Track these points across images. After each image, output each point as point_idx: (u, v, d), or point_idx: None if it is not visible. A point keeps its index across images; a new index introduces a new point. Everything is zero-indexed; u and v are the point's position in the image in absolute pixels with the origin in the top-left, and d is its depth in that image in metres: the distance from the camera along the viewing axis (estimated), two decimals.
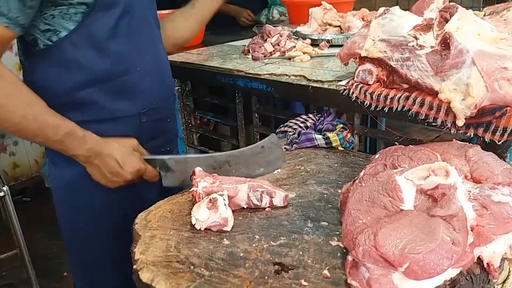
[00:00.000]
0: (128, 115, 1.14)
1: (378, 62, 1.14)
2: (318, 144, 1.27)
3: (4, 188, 1.77)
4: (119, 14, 1.06)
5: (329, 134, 1.26)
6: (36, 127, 0.98)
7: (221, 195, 0.90)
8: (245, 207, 0.96)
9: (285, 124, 1.41)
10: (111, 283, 1.27)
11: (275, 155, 0.99)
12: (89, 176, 1.11)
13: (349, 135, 1.28)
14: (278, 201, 0.95)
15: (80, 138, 1.02)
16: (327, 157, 1.22)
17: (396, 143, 1.16)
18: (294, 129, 1.37)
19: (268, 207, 0.95)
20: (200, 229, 0.87)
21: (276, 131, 1.45)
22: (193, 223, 0.88)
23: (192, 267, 0.77)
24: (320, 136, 1.26)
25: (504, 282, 0.99)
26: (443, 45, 1.07)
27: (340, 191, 1.00)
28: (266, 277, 0.74)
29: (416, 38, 1.13)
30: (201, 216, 0.85)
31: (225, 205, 0.88)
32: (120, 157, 1.04)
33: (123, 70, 1.10)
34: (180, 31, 1.45)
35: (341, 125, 1.30)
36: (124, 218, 1.17)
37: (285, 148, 1.29)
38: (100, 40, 1.05)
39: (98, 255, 1.24)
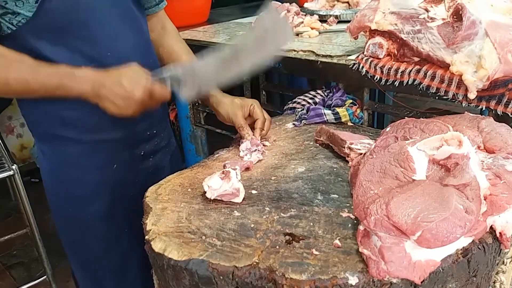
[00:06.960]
0: None
1: (389, 35, 1.13)
2: (327, 120, 1.26)
3: (13, 167, 1.77)
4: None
5: (339, 109, 1.25)
6: (31, 78, 0.96)
7: (234, 169, 0.91)
8: None
9: (294, 100, 1.40)
10: (104, 266, 1.28)
11: (282, 31, 0.80)
12: (76, 165, 1.12)
13: (358, 110, 1.26)
14: None
15: (77, 74, 0.98)
16: None
17: (406, 117, 1.15)
18: (303, 105, 1.36)
19: None
20: (211, 198, 0.87)
21: (284, 108, 1.44)
22: (205, 190, 0.88)
23: (203, 237, 0.77)
24: (329, 112, 1.25)
25: None
26: (455, 16, 1.05)
27: (349, 164, 1.00)
28: (277, 247, 0.74)
29: (427, 10, 1.11)
30: (214, 183, 0.86)
31: (237, 178, 0.88)
32: (125, 79, 0.99)
33: (91, 57, 1.06)
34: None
35: (351, 101, 1.29)
36: (112, 203, 1.19)
37: (293, 124, 1.28)
38: (61, 29, 1.00)
39: (89, 240, 1.24)
